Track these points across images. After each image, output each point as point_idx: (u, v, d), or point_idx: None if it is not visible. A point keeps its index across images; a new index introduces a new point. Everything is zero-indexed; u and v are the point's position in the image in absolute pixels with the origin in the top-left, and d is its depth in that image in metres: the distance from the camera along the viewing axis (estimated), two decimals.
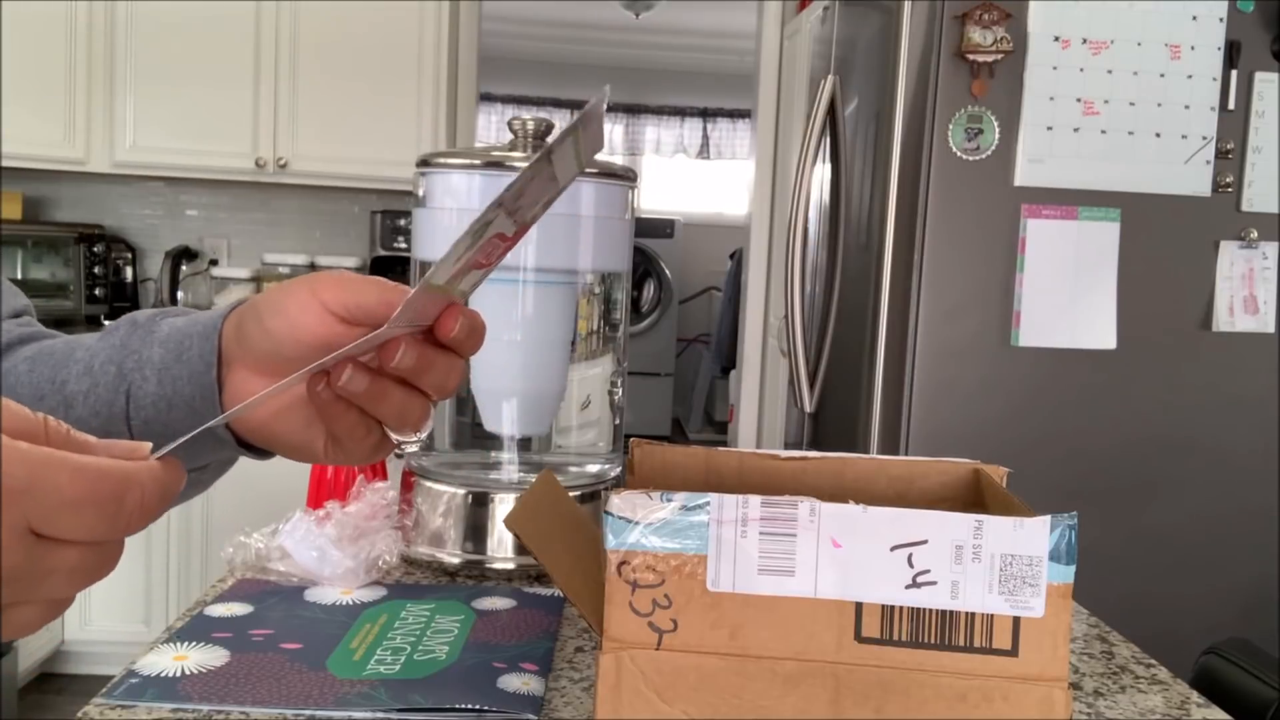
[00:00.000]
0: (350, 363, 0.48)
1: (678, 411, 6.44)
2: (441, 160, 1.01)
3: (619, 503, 0.54)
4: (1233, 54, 1.85)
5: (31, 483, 0.33)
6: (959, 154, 1.83)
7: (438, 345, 0.49)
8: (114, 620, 2.87)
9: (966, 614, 0.52)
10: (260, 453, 0.57)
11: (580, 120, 0.46)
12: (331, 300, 0.50)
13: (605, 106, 0.48)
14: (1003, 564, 0.52)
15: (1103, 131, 1.84)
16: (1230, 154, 1.87)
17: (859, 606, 0.53)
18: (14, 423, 0.35)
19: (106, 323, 0.59)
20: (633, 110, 6.56)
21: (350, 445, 0.52)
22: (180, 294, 3.29)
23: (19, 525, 0.33)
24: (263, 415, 0.53)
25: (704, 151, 6.61)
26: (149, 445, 0.38)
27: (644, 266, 6.06)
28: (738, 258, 4.72)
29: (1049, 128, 1.83)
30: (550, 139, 0.46)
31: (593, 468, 1.10)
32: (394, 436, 0.52)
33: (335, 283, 0.51)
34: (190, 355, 0.54)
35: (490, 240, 0.46)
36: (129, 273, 3.36)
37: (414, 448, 0.54)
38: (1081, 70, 1.83)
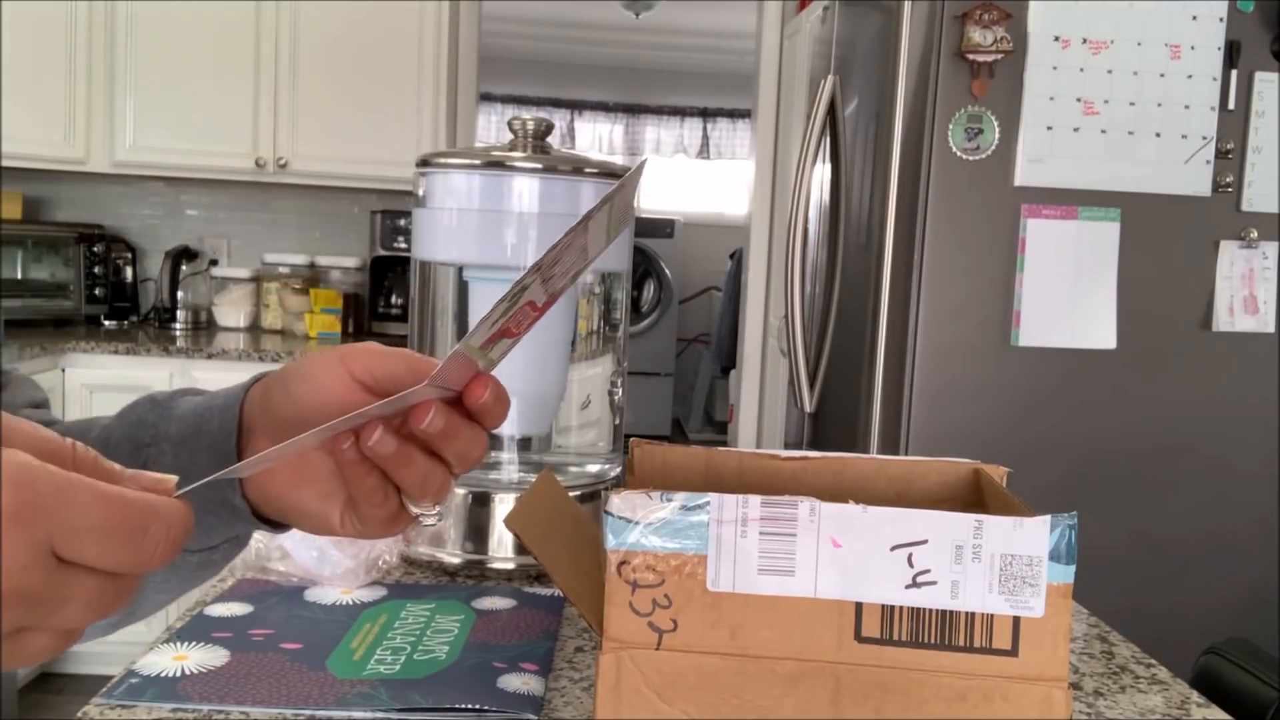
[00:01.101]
0: (380, 423, 0.48)
1: (678, 411, 6.44)
2: (441, 160, 1.01)
3: (619, 503, 0.54)
4: (1233, 54, 1.85)
5: (58, 504, 0.32)
6: (959, 154, 1.83)
7: (464, 414, 0.50)
8: None
9: (966, 614, 0.52)
10: (277, 526, 0.57)
11: (621, 185, 0.47)
12: (359, 369, 0.51)
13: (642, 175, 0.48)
14: (1003, 564, 0.52)
15: (1103, 131, 1.84)
16: (1230, 154, 1.87)
17: (859, 606, 0.53)
18: (42, 447, 0.35)
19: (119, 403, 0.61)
20: (633, 110, 6.56)
21: (367, 511, 0.52)
22: (180, 294, 3.29)
23: (42, 544, 0.32)
24: (282, 485, 0.54)
25: (704, 151, 6.61)
26: (175, 478, 0.38)
27: (644, 266, 6.06)
28: (738, 258, 4.72)
29: (1049, 128, 1.83)
30: (591, 208, 0.46)
31: (593, 468, 1.10)
32: (412, 508, 0.52)
33: (364, 353, 0.51)
34: (210, 427, 0.55)
35: (522, 308, 0.46)
36: (129, 273, 3.36)
37: (431, 521, 0.53)
38: (1081, 70, 1.83)
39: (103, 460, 0.36)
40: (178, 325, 3.27)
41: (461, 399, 0.49)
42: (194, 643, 0.80)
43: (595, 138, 6.55)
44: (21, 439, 0.34)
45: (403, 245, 3.32)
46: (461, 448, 0.50)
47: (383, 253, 3.35)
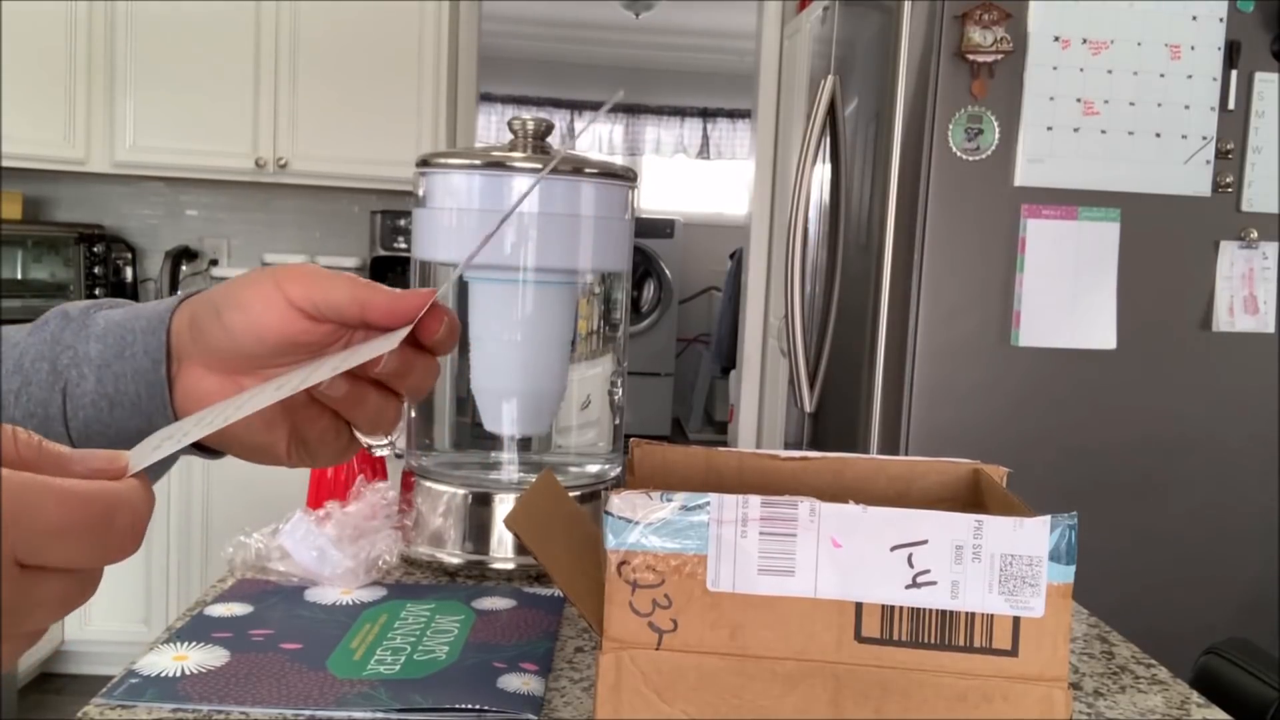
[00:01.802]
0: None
1: (678, 411, 6.44)
2: (441, 160, 1.01)
3: (619, 503, 0.54)
4: (1233, 54, 1.85)
5: (15, 512, 0.30)
6: (959, 154, 1.83)
7: (416, 347, 0.48)
8: (114, 620, 2.87)
9: (966, 614, 0.52)
10: (210, 452, 0.54)
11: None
12: (299, 296, 0.48)
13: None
14: (1003, 564, 0.52)
15: (1103, 131, 1.84)
16: (1230, 154, 1.87)
17: (859, 606, 0.53)
18: None
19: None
20: (633, 110, 6.56)
21: (319, 449, 0.50)
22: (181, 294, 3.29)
23: (4, 556, 0.30)
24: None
25: (704, 151, 6.61)
26: (128, 455, 0.35)
27: (644, 266, 6.05)
28: (738, 258, 4.72)
29: (1049, 128, 1.83)
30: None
31: (593, 468, 1.10)
32: (363, 440, 0.51)
33: (303, 278, 0.48)
34: (134, 351, 0.51)
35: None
36: (129, 273, 3.36)
37: (384, 451, 0.52)
38: (1081, 70, 1.83)
39: (48, 445, 0.33)
40: None
41: (414, 333, 0.48)
42: (194, 643, 0.80)
43: (595, 138, 6.55)
44: None
45: (403, 245, 3.32)
46: (416, 380, 0.49)
47: (383, 253, 3.35)
